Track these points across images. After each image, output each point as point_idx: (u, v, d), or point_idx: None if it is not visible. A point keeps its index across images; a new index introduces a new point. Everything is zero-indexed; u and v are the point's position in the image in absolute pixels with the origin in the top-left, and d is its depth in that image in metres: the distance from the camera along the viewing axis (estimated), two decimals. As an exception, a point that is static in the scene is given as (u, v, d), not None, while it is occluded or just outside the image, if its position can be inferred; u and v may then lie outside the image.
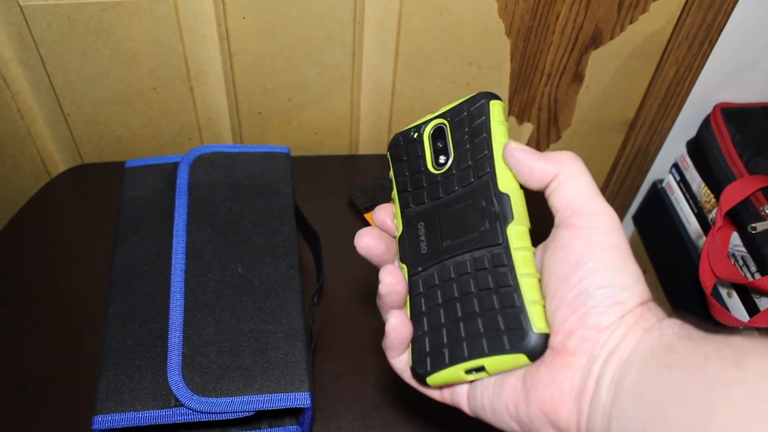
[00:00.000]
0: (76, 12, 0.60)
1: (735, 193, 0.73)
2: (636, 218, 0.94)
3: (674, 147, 0.85)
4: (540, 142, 0.81)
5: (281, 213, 0.58)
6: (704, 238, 0.79)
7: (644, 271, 0.92)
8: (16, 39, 0.62)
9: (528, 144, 0.81)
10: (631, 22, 0.69)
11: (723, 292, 0.75)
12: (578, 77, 0.74)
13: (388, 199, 0.69)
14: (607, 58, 0.73)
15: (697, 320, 0.30)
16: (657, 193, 0.89)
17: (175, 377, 0.48)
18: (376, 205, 0.68)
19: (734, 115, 0.78)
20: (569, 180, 0.35)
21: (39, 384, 0.55)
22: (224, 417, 0.47)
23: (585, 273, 0.31)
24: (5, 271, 0.62)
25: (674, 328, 0.29)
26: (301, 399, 0.48)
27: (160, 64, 0.65)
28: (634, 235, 0.95)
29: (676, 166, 0.85)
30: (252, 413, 0.47)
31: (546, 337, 0.32)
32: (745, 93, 0.80)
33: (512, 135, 0.80)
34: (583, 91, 0.76)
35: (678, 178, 0.85)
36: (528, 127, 0.79)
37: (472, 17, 0.66)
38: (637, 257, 0.93)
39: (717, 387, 0.25)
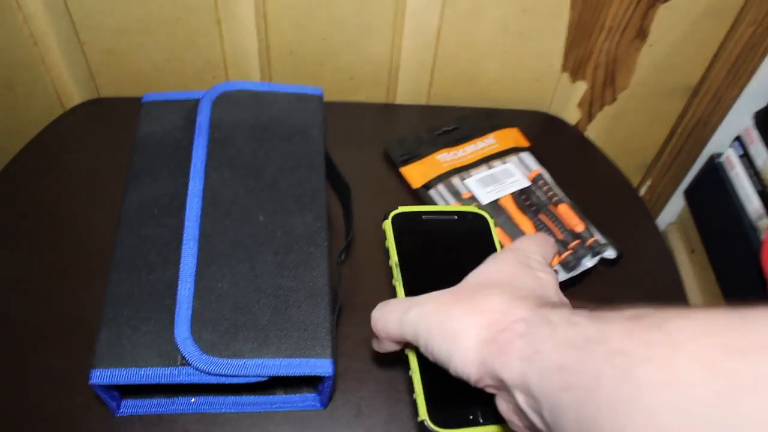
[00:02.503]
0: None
1: (808, 170, 0.66)
2: (688, 193, 0.88)
3: (738, 118, 0.77)
4: (593, 104, 0.74)
5: (310, 160, 0.53)
6: (766, 220, 0.72)
7: (692, 251, 0.86)
8: (30, -46, 0.56)
9: (580, 105, 0.75)
10: (707, -26, 0.62)
11: (784, 278, 0.68)
12: (642, 34, 0.67)
13: (426, 153, 0.63)
14: (676, 15, 0.66)
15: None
16: (714, 168, 0.82)
17: (182, 333, 0.43)
18: (412, 159, 0.63)
19: (812, 86, 0.71)
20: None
21: (40, 327, 0.51)
22: (235, 381, 0.42)
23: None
24: (11, 206, 0.58)
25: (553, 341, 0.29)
26: (323, 366, 0.43)
27: (185, -9, 0.59)
28: (685, 211, 0.88)
29: (738, 139, 0.78)
30: (266, 378, 0.43)
31: None
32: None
33: (563, 93, 0.73)
34: (645, 50, 0.69)
35: (740, 153, 0.77)
36: (581, 86, 0.72)
37: (532, -44, 0.60)
38: (686, 235, 0.85)
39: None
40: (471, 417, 0.39)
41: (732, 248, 0.78)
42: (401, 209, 0.48)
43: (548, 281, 0.37)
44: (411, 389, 0.41)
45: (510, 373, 0.30)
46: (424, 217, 0.48)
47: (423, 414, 0.39)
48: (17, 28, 0.61)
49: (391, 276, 0.45)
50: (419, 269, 0.45)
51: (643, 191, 0.87)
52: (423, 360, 0.39)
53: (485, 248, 0.44)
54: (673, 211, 0.91)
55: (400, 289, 0.44)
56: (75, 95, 0.68)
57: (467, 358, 0.32)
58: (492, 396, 0.34)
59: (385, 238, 0.47)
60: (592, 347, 0.26)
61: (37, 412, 0.47)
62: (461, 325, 0.33)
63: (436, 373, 0.37)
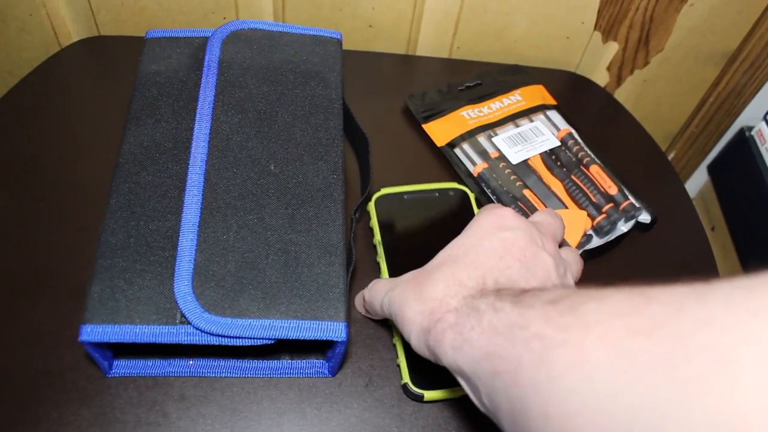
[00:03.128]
0: None
1: None
2: (712, 168, 0.84)
3: (775, 90, 0.73)
4: (624, 67, 0.70)
5: (327, 107, 0.48)
6: (799, 197, 0.69)
7: (713, 228, 0.83)
8: None
9: (609, 68, 0.70)
10: (762, -74, 0.57)
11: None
12: (683, -9, 0.63)
13: (450, 109, 0.59)
14: (722, -29, 0.61)
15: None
16: (743, 141, 0.77)
17: (183, 288, 0.39)
18: (435, 116, 0.59)
19: None
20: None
21: (27, 279, 0.47)
22: (238, 343, 0.39)
23: None
24: (2, 148, 0.53)
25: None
26: (336, 329, 0.39)
27: None
28: (707, 187, 0.84)
29: (773, 111, 0.74)
30: (273, 341, 0.39)
31: None
32: None
33: (593, 54, 0.69)
34: (685, 10, 0.64)
35: (775, 126, 0.73)
36: (613, 47, 0.68)
37: None
38: (707, 211, 0.81)
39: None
40: (450, 378, 0.40)
41: (757, 227, 0.75)
42: (384, 191, 0.52)
43: (545, 262, 0.37)
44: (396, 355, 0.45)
45: (447, 361, 0.32)
46: (405, 196, 0.52)
47: (405, 377, 0.44)
48: (11, -46, 0.56)
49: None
50: (401, 247, 0.49)
51: (666, 163, 0.83)
52: None
53: (466, 222, 0.43)
54: (694, 186, 0.87)
55: (383, 267, 0.48)
56: (73, 33, 0.63)
57: (419, 344, 0.35)
58: None
59: (369, 218, 0.51)
60: (515, 332, 0.28)
61: (23, 371, 0.43)
62: (412, 312, 0.35)
63: None
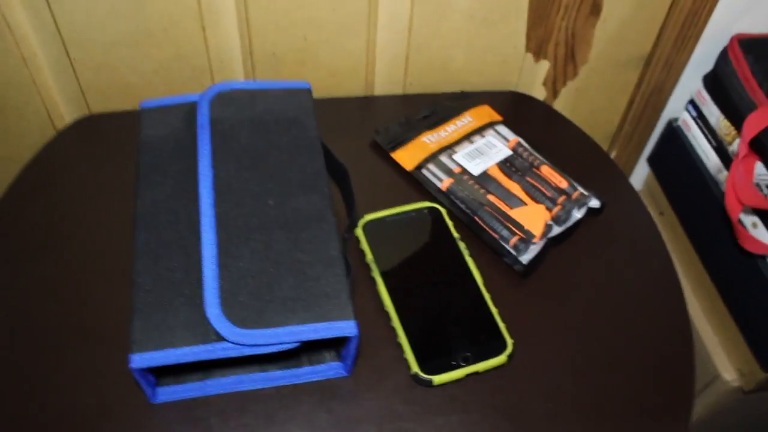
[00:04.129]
0: (82, -54, 0.57)
1: (758, 121, 0.72)
2: (651, 159, 0.93)
3: (689, 83, 0.83)
4: (557, 80, 0.79)
5: (308, 146, 0.56)
6: (725, 172, 0.78)
7: (661, 213, 0.92)
8: (19, -22, 0.59)
9: (545, 83, 0.79)
10: (651, -54, 0.67)
11: (748, 222, 0.74)
12: (596, 9, 0.72)
13: (412, 137, 0.67)
14: (625, -12, 0.71)
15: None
16: (672, 132, 0.87)
17: (214, 311, 0.45)
18: (400, 144, 0.67)
19: (752, 46, 0.77)
20: None
21: (68, 331, 0.53)
22: (267, 350, 0.45)
23: None
24: (18, 228, 0.59)
25: None
26: (348, 327, 0.46)
27: (171, 2, 0.62)
28: (650, 177, 0.94)
29: (692, 102, 0.84)
30: (297, 345, 0.45)
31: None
32: (762, 23, 0.79)
33: (529, 73, 0.78)
34: (600, 25, 0.74)
35: (695, 114, 0.83)
36: (544, 65, 0.77)
37: (491, -56, 0.64)
38: (654, 199, 0.92)
39: None
40: (453, 362, 0.51)
41: (698, 204, 0.84)
42: (368, 216, 0.60)
43: None
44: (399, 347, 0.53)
45: None
46: (387, 219, 0.60)
47: (414, 368, 0.51)
48: (8, 51, 0.63)
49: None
50: (391, 262, 0.57)
51: (609, 161, 0.92)
52: (403, 317, 0.53)
53: (443, 234, 0.59)
54: (639, 179, 0.97)
55: (379, 281, 0.56)
56: (66, 114, 0.70)
57: None
58: (468, 339, 0.50)
59: (359, 242, 0.59)
60: None
61: (77, 407, 0.49)
62: None
63: (416, 329, 0.53)
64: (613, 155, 0.91)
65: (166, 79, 0.68)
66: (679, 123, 0.87)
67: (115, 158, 0.64)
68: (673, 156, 0.88)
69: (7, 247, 0.58)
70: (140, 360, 0.44)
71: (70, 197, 0.62)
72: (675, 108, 0.87)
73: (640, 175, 0.96)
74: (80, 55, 0.65)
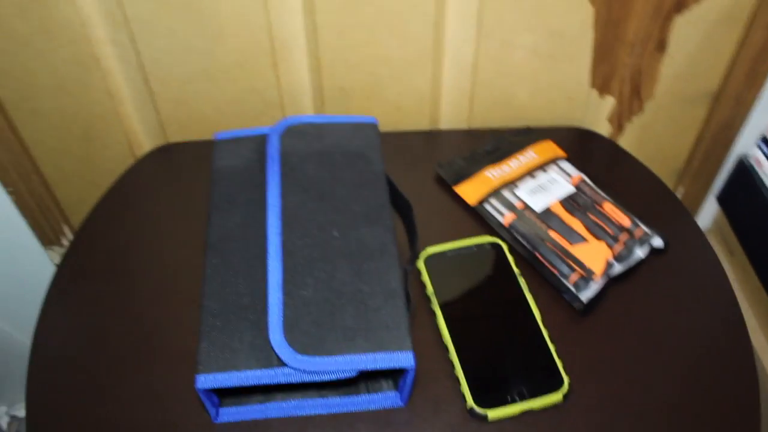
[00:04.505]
0: (167, -12, 0.61)
1: (834, 161, 0.70)
2: (721, 198, 0.91)
3: (762, 119, 0.82)
4: (622, 116, 0.79)
5: (373, 180, 0.58)
6: (799, 212, 0.76)
7: (732, 254, 0.89)
8: (108, 18, 0.63)
9: (610, 119, 0.79)
10: (719, -16, 0.67)
11: (823, 265, 0.71)
12: (661, 45, 0.72)
13: (475, 171, 0.68)
14: (691, 25, 0.71)
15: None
16: (744, 169, 0.85)
17: (277, 337, 0.47)
18: (464, 179, 0.68)
19: (828, 83, 0.75)
20: None
21: (138, 350, 0.55)
22: (327, 378, 0.47)
23: None
24: (98, 248, 0.63)
25: None
26: (405, 359, 0.47)
27: (245, 40, 0.66)
28: (720, 216, 0.92)
29: (764, 139, 0.82)
30: (355, 374, 0.47)
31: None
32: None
33: (594, 109, 0.78)
34: (666, 61, 0.74)
35: (767, 151, 0.81)
36: (610, 100, 0.77)
37: (556, -16, 0.65)
38: (723, 239, 0.89)
39: None
40: (508, 398, 0.51)
41: (768, 246, 0.82)
42: (429, 250, 0.61)
43: None
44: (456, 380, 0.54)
45: None
46: (448, 253, 0.61)
47: (470, 402, 0.52)
48: (95, 85, 0.67)
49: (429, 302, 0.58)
50: (450, 296, 0.58)
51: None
52: (460, 351, 0.54)
53: (503, 269, 0.60)
54: (708, 217, 0.95)
55: (438, 313, 0.57)
56: (145, 143, 0.74)
57: None
58: (524, 375, 0.51)
59: (420, 274, 0.60)
60: None
61: (143, 424, 0.51)
62: None
63: (473, 363, 0.53)
64: (680, 192, 0.90)
65: (239, 111, 0.72)
66: (751, 160, 0.85)
67: (190, 185, 0.67)
68: (744, 194, 0.86)
69: (89, 265, 0.61)
70: (205, 381, 0.46)
71: (147, 221, 0.65)
72: (746, 144, 0.85)
73: (709, 214, 0.94)
74: (160, 89, 0.69)
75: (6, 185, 0.69)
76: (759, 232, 0.84)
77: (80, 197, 0.75)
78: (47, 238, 0.75)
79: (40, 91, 0.66)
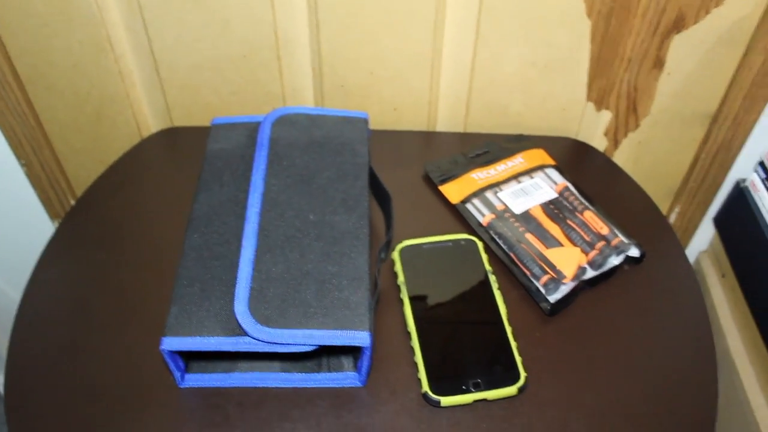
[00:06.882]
0: (177, -22, 0.65)
1: (824, 188, 0.70)
2: (717, 220, 0.91)
3: (759, 143, 0.82)
4: (618, 131, 0.80)
5: (355, 170, 0.60)
6: (789, 238, 0.76)
7: (723, 275, 0.89)
8: (123, 3, 0.67)
9: (606, 133, 0.81)
10: (716, 6, 0.68)
11: (807, 291, 0.71)
12: (659, 63, 0.73)
13: (462, 173, 0.70)
14: (690, 44, 0.72)
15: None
16: (740, 193, 0.86)
17: (241, 308, 0.50)
18: (450, 179, 0.70)
19: (827, 111, 0.75)
20: None
21: (117, 314, 0.59)
22: (285, 349, 0.49)
23: None
24: (94, 220, 0.67)
25: None
26: (362, 337, 0.49)
27: (251, 33, 0.69)
28: (715, 239, 0.92)
29: (761, 163, 0.82)
30: (313, 347, 0.49)
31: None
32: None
33: (590, 122, 0.80)
34: (664, 79, 0.75)
35: (763, 176, 0.82)
36: (606, 115, 0.79)
37: (553, -5, 0.67)
38: (717, 261, 0.89)
39: None
40: (463, 387, 0.53)
41: (761, 270, 0.81)
42: (406, 242, 0.63)
43: None
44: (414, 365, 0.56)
45: None
46: (424, 246, 0.63)
47: (425, 387, 0.53)
48: (109, 67, 0.71)
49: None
50: (421, 287, 0.60)
51: (672, 218, 0.91)
52: (422, 338, 0.56)
53: (475, 266, 0.61)
54: (705, 238, 0.95)
55: (406, 302, 0.59)
56: (152, 125, 0.78)
57: None
58: (482, 367, 0.52)
59: (394, 264, 0.62)
60: None
61: (116, 384, 0.54)
62: None
63: (433, 351, 0.55)
64: (677, 210, 0.90)
65: (241, 101, 0.75)
66: (747, 184, 0.85)
67: (189, 167, 0.71)
68: (739, 218, 0.86)
69: (84, 233, 0.65)
70: (170, 343, 0.49)
71: (144, 197, 0.68)
72: (744, 168, 0.85)
73: (706, 235, 0.94)
74: (168, 75, 0.73)
75: (20, 157, 0.73)
76: (751, 256, 0.84)
77: (88, 173, 0.79)
78: (54, 211, 0.79)
79: (56, 70, 0.70)
